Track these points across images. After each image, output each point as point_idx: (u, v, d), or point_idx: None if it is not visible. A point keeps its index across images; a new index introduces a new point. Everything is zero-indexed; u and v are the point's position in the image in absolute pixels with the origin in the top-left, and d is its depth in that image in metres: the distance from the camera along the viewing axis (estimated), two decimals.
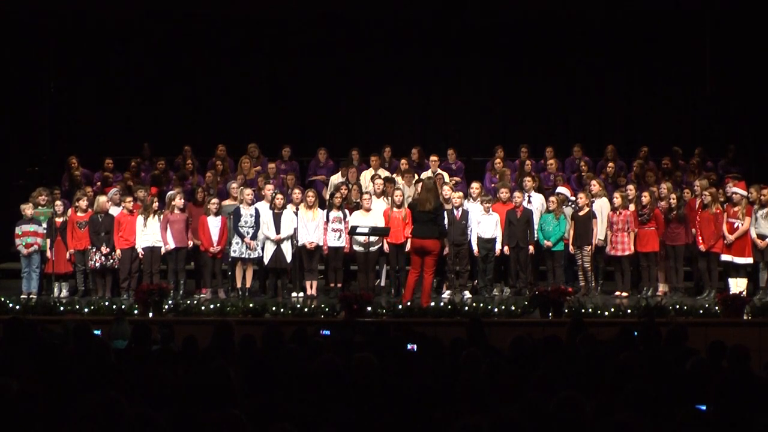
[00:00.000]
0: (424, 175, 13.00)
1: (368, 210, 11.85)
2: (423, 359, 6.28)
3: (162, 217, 11.69)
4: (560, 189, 12.38)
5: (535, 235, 11.96)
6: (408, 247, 11.44)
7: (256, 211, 11.75)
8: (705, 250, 11.46)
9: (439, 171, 13.35)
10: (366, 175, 13.34)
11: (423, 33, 15.81)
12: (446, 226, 11.57)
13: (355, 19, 15.46)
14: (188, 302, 10.84)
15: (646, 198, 11.68)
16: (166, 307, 10.50)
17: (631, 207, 11.75)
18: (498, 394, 5.04)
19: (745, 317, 10.22)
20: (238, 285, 11.74)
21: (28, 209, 11.85)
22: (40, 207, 12.04)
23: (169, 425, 3.83)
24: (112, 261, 11.65)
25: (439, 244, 10.89)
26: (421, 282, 10.83)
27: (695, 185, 12.08)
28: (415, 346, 6.79)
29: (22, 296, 11.39)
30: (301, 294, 11.60)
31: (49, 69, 15.33)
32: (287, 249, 11.69)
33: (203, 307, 10.58)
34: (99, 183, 13.24)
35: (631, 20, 15.40)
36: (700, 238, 11.49)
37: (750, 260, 11.33)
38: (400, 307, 10.37)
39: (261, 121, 15.65)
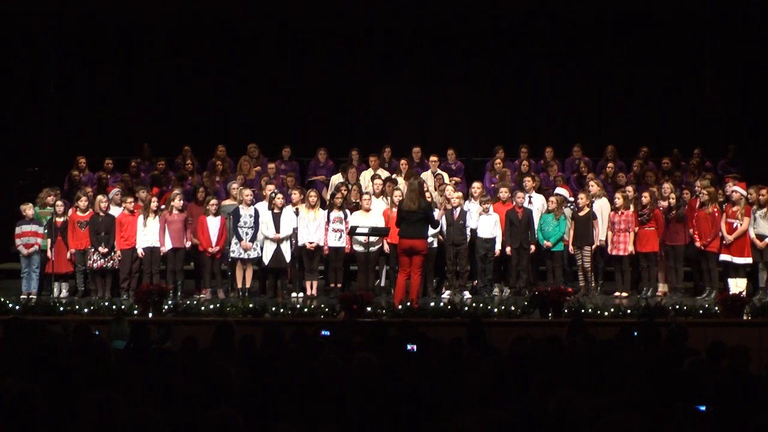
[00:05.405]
0: (424, 175, 13.02)
1: (368, 210, 11.85)
2: (423, 359, 6.28)
3: (161, 217, 11.69)
4: (558, 190, 12.39)
5: (535, 236, 11.96)
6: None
7: (256, 211, 11.75)
8: (701, 246, 11.46)
9: (439, 171, 13.37)
10: (366, 176, 13.34)
11: (423, 33, 15.81)
12: (445, 225, 11.63)
13: (355, 19, 15.45)
14: (188, 302, 10.83)
15: (646, 198, 11.68)
16: (166, 307, 10.50)
17: (631, 207, 11.76)
18: (498, 394, 5.04)
19: (744, 317, 10.21)
20: (238, 285, 11.74)
21: (28, 209, 11.85)
22: (48, 207, 12.02)
23: (169, 425, 3.83)
24: (111, 261, 11.65)
25: (426, 244, 10.87)
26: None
27: (696, 185, 12.09)
28: (415, 347, 6.79)
29: (22, 296, 11.37)
30: (301, 294, 11.60)
31: (49, 69, 15.34)
32: (287, 249, 11.69)
33: (203, 308, 10.57)
34: (96, 184, 13.22)
35: (631, 20, 15.40)
36: (696, 235, 11.50)
37: (749, 260, 11.33)
38: (400, 307, 10.36)
39: (261, 121, 15.65)
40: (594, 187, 12.18)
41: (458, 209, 11.77)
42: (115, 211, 11.89)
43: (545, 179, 13.45)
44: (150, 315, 10.26)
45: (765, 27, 14.75)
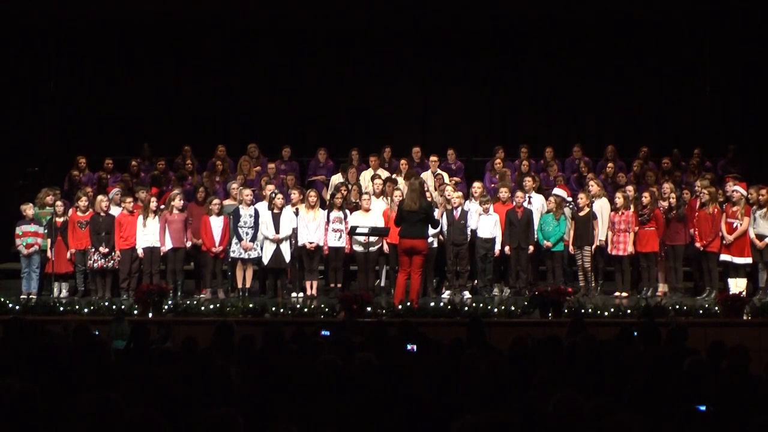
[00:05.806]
0: (424, 175, 13.02)
1: (368, 210, 11.86)
2: (423, 359, 6.28)
3: (161, 217, 11.69)
4: (556, 190, 12.39)
5: (535, 236, 11.96)
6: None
7: (256, 211, 11.75)
8: (701, 246, 11.45)
9: (439, 171, 13.36)
10: (366, 176, 13.34)
11: (423, 33, 15.81)
12: (445, 225, 11.64)
13: (354, 19, 15.45)
14: (188, 302, 10.83)
15: (646, 198, 11.68)
16: (166, 307, 10.50)
17: (631, 207, 11.76)
18: (498, 394, 5.04)
19: (744, 317, 10.21)
20: (238, 285, 11.73)
21: (28, 209, 11.84)
22: (47, 207, 12.00)
23: (169, 425, 3.83)
24: (112, 262, 11.65)
25: (427, 244, 10.87)
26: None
27: (696, 185, 12.09)
28: (415, 347, 6.79)
29: (22, 296, 11.37)
30: (301, 294, 11.60)
31: (49, 69, 15.33)
32: (286, 249, 11.69)
33: (203, 308, 10.56)
34: (96, 184, 13.21)
35: (632, 21, 15.39)
36: (696, 235, 11.50)
37: (749, 260, 11.34)
38: (400, 307, 10.36)
39: (261, 121, 15.65)
40: (594, 187, 12.17)
41: (459, 209, 11.77)
42: (115, 211, 11.89)
43: (545, 179, 13.45)
44: (150, 315, 10.26)
45: (765, 27, 14.74)
